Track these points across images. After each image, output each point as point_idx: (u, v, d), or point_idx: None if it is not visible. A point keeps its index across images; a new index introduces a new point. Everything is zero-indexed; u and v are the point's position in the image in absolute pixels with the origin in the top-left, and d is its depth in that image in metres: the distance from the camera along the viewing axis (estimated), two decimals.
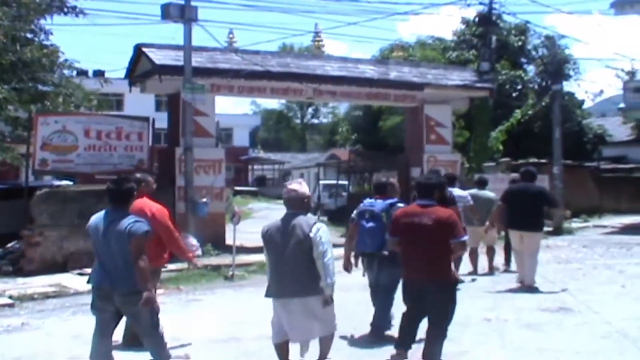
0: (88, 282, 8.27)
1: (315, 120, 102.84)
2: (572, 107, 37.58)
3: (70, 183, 21.97)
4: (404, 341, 8.59)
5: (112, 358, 7.99)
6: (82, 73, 24.71)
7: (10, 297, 14.07)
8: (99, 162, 19.37)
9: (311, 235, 7.68)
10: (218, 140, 48.93)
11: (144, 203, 9.35)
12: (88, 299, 13.94)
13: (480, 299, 12.78)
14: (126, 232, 7.59)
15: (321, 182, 44.10)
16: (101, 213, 7.94)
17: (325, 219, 34.79)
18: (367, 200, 10.40)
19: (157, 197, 10.51)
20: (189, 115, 19.38)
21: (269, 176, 77.37)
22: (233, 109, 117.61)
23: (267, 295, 8.06)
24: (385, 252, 9.74)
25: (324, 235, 7.78)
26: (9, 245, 18.28)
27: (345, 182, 32.45)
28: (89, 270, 16.62)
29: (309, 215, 8.06)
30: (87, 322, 9.88)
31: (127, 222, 7.67)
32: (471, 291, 13.45)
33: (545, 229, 23.88)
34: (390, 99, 25.52)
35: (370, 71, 24.13)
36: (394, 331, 9.45)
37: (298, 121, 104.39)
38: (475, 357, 8.99)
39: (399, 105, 27.72)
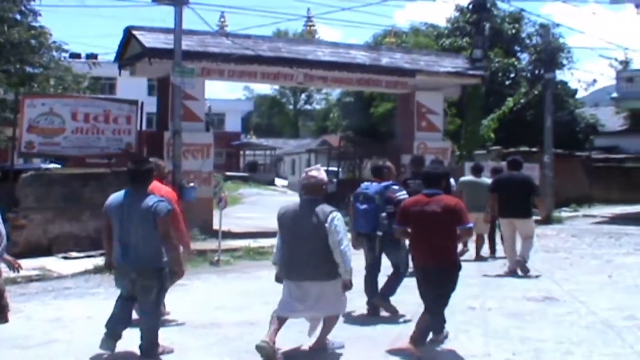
0: (106, 265, 8.87)
1: (308, 107, 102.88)
2: (565, 96, 37.51)
3: (59, 166, 21.86)
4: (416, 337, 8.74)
5: (129, 321, 8.34)
6: (75, 56, 24.49)
7: None
8: (87, 145, 19.18)
9: (326, 224, 8.01)
10: (210, 125, 48.97)
11: (154, 186, 9.43)
12: (71, 282, 14.09)
13: (466, 287, 12.58)
14: (151, 211, 7.92)
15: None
16: (120, 193, 8.25)
17: None
18: (364, 184, 10.86)
19: None
20: (177, 99, 19.21)
21: (260, 162, 77.27)
22: (226, 94, 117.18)
23: (283, 277, 8.46)
24: (379, 233, 10.32)
25: (340, 223, 8.09)
26: None
27: (336, 169, 32.32)
28: (74, 254, 16.81)
29: (325, 204, 8.28)
30: (68, 307, 9.85)
31: (151, 201, 8.01)
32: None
33: (535, 217, 24.02)
34: (382, 85, 25.39)
35: (361, 57, 24.01)
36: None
37: (291, 107, 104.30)
38: (457, 345, 8.89)
39: (390, 91, 27.59)
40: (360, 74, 23.89)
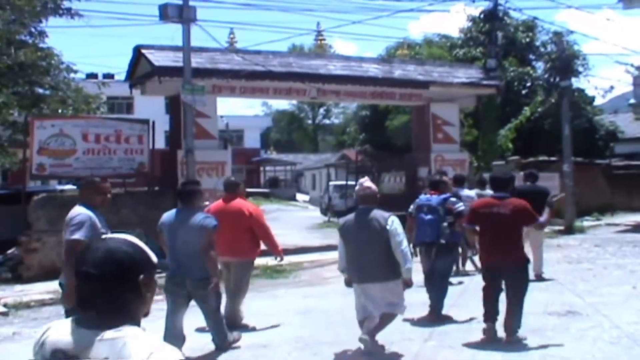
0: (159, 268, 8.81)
1: (326, 121, 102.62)
2: (583, 104, 37.04)
3: (74, 187, 21.69)
4: (490, 315, 9.84)
5: (183, 335, 9.06)
6: (92, 76, 24.38)
7: (5, 305, 13.80)
8: (99, 166, 18.95)
9: (388, 227, 8.83)
10: (227, 142, 48.67)
11: (242, 203, 10.99)
12: None
13: (448, 322, 12.39)
14: (199, 226, 8.86)
15: (331, 183, 43.78)
16: (172, 212, 9.29)
17: (336, 219, 34.49)
18: (423, 196, 11.89)
19: (158, 201, 10.94)
20: (189, 117, 19.03)
21: (281, 177, 77.01)
22: (244, 110, 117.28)
23: (350, 282, 9.28)
24: (443, 241, 11.25)
25: (399, 227, 8.93)
26: (9, 251, 18.01)
27: (354, 183, 32.07)
28: None
29: (380, 210, 9.14)
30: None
31: (199, 218, 8.98)
32: (477, 294, 13.06)
33: (557, 227, 23.68)
34: (396, 98, 25.12)
35: (374, 70, 23.74)
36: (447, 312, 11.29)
37: (310, 122, 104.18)
38: None
39: (404, 104, 27.36)
40: (373, 87, 23.59)
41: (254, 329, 10.80)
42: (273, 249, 11.40)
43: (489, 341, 9.59)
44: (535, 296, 12.82)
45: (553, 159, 29.12)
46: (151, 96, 25.23)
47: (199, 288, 8.87)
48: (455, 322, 10.91)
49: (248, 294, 14.63)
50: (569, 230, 24.51)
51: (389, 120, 34.98)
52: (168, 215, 9.29)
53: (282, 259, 12.07)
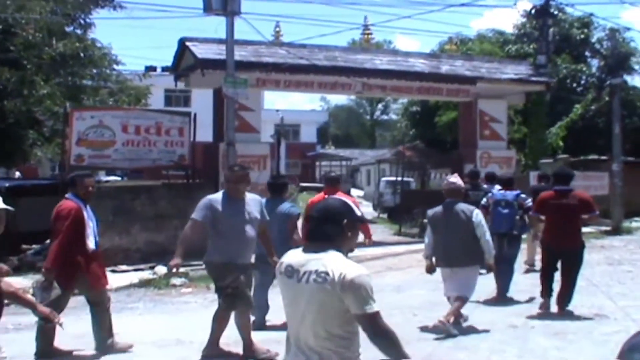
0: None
1: (384, 117, 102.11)
2: (638, 102, 36.17)
3: (119, 179, 21.84)
4: (547, 291, 11.43)
5: (267, 305, 10.61)
6: (152, 69, 24.48)
7: (33, 294, 13.86)
8: (138, 157, 19.03)
9: (473, 219, 10.13)
10: (281, 136, 48.67)
11: (342, 196, 11.15)
12: (113, 297, 13.88)
13: (513, 303, 12.18)
14: (285, 214, 10.48)
15: (383, 179, 43.50)
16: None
17: (385, 216, 34.29)
18: (498, 192, 13.20)
19: (197, 193, 11.77)
20: (231, 110, 19.03)
21: (337, 172, 76.67)
22: (304, 105, 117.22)
23: (438, 266, 10.48)
24: (515, 232, 12.81)
25: (482, 218, 10.34)
26: (47, 241, 18.15)
27: (410, 179, 31.96)
28: (122, 267, 16.69)
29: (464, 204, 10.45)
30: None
31: (285, 207, 10.66)
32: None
33: (603, 228, 23.23)
34: (443, 94, 24.85)
35: (420, 65, 23.50)
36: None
37: (368, 117, 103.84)
38: None
39: (451, 99, 27.04)
40: (419, 82, 23.41)
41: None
42: (366, 234, 12.40)
43: (544, 314, 11.12)
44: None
45: (603, 157, 28.53)
46: (198, 89, 25.30)
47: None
48: (477, 323, 10.71)
49: (277, 289, 14.71)
50: (616, 231, 24.00)
51: (439, 116, 34.62)
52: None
53: (371, 244, 13.01)
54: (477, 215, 10.21)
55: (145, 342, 9.73)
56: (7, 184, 21.29)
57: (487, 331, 10.06)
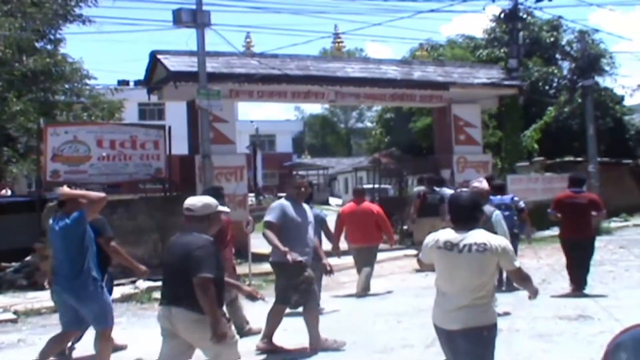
0: None
1: (359, 125, 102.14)
2: (611, 103, 36.39)
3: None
4: (575, 280, 13.51)
5: None
6: (124, 83, 24.44)
7: (15, 312, 13.74)
8: (114, 172, 18.93)
9: (492, 219, 10.74)
10: (256, 147, 48.46)
11: (369, 205, 15.35)
12: None
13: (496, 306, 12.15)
14: (320, 218, 12.00)
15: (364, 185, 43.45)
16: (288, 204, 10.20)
17: None
18: (496, 197, 13.60)
19: (175, 207, 11.67)
20: (205, 122, 18.97)
21: (314, 182, 76.64)
22: (279, 115, 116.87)
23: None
24: (516, 230, 13.89)
25: (501, 218, 11.09)
26: (26, 259, 17.97)
27: (387, 186, 31.95)
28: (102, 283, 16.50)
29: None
30: (83, 340, 9.44)
31: (316, 212, 11.48)
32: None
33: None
34: (416, 100, 24.91)
35: (393, 72, 23.52)
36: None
37: (342, 126, 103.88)
38: None
39: (425, 105, 27.11)
40: (392, 89, 23.37)
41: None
42: (389, 238, 15.28)
43: (576, 295, 13.08)
44: (547, 299, 12.60)
45: (579, 159, 28.68)
46: (171, 102, 25.17)
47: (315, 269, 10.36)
48: None
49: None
50: (595, 231, 24.04)
51: (413, 122, 34.63)
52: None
53: (393, 245, 15.93)
54: (497, 215, 11.01)
55: (130, 357, 9.63)
56: None
57: None
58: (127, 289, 15.70)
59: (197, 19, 18.36)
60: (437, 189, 17.64)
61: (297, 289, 9.48)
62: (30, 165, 24.02)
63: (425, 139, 32.30)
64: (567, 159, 29.29)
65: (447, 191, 16.81)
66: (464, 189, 11.16)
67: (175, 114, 37.90)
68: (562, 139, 33.43)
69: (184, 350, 6.80)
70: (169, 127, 19.96)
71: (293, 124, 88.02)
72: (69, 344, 9.42)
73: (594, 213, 13.52)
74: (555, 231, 18.97)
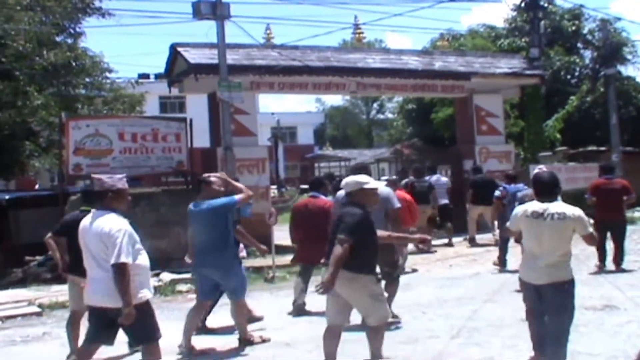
0: None
1: (380, 116, 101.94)
2: (634, 92, 36.05)
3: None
4: (602, 256, 14.91)
5: None
6: (144, 76, 24.41)
7: (40, 305, 13.81)
8: (136, 165, 18.92)
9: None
10: (278, 139, 48.45)
11: (402, 194, 14.34)
12: None
13: (521, 297, 12.06)
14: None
15: (382, 178, 43.34)
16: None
17: None
18: (512, 186, 15.17)
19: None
20: (226, 114, 18.98)
21: (336, 173, 76.37)
22: (300, 107, 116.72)
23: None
24: None
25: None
26: (49, 252, 18.02)
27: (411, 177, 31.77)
28: None
29: None
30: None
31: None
32: (514, 287, 12.78)
33: None
34: (438, 90, 24.75)
35: (414, 62, 23.37)
36: None
37: (364, 117, 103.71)
38: None
39: (447, 96, 26.99)
40: (413, 80, 23.25)
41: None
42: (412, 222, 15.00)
43: (600, 272, 14.38)
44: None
45: (602, 148, 28.46)
46: (192, 94, 25.15)
47: None
48: (487, 318, 10.62)
49: (285, 291, 14.59)
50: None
51: (435, 113, 34.46)
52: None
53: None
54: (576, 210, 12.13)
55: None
56: (7, 196, 21.21)
57: (497, 326, 9.95)
58: (151, 282, 15.71)
59: (216, 11, 18.37)
60: (440, 179, 21.32)
61: (394, 274, 10.56)
62: (52, 159, 24.05)
63: (447, 129, 32.14)
64: (590, 148, 29.04)
65: (441, 178, 21.32)
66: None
67: (196, 107, 37.97)
68: (584, 129, 33.20)
69: (344, 306, 7.88)
70: (191, 120, 19.94)
71: (314, 115, 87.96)
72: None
73: (625, 197, 15.07)
74: None
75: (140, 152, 18.97)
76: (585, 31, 38.53)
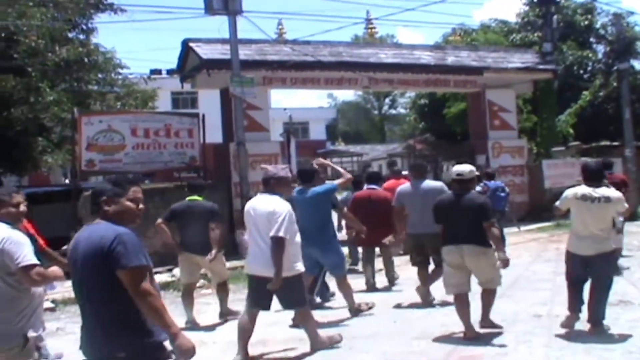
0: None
1: (392, 111, 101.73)
2: None
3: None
4: None
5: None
6: (156, 72, 24.43)
7: (54, 301, 13.80)
8: (149, 160, 18.95)
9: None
10: (290, 134, 48.37)
11: (394, 183, 14.86)
12: None
13: (535, 292, 12.04)
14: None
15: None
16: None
17: None
18: (492, 182, 17.11)
19: (210, 194, 13.61)
20: (239, 109, 18.99)
21: (348, 169, 76.28)
22: (311, 102, 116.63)
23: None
24: (507, 209, 17.53)
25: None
26: (63, 248, 18.03)
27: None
28: None
29: None
30: None
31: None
32: (527, 283, 12.74)
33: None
34: (450, 85, 24.70)
35: (426, 57, 23.36)
36: None
37: (376, 112, 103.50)
38: (516, 357, 8.30)
39: (459, 91, 26.90)
40: (426, 75, 23.25)
41: None
42: None
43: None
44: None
45: (615, 143, 28.32)
46: (204, 90, 25.11)
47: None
48: (501, 313, 10.57)
49: None
50: (633, 216, 23.72)
51: (447, 108, 34.33)
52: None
53: None
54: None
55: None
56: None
57: (511, 321, 9.91)
58: (164, 277, 15.71)
59: (228, 7, 18.35)
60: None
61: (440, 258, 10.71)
62: (65, 155, 24.08)
63: (460, 124, 32.05)
64: (602, 143, 28.92)
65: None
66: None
67: (208, 102, 37.98)
68: (597, 124, 33.11)
69: (467, 276, 9.42)
70: (203, 115, 19.94)
71: (326, 111, 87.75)
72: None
73: (623, 190, 14.92)
74: None
75: (153, 148, 19.00)
76: (598, 25, 38.34)
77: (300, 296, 8.84)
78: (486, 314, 9.68)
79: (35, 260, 6.18)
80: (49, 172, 35.10)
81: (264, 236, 8.36)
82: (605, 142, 29.33)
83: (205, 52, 20.07)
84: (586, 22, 37.45)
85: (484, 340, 9.07)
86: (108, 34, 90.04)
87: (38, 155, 23.93)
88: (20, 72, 20.96)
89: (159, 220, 11.56)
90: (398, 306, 11.58)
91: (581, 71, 36.17)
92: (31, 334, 6.13)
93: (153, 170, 19.54)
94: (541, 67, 24.99)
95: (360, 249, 14.81)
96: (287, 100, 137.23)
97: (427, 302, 11.49)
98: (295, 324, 10.02)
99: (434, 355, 8.55)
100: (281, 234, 8.20)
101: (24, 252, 6.13)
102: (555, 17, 27.08)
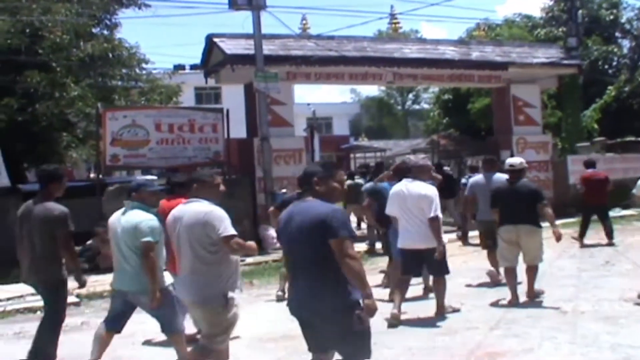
0: None
1: (416, 106, 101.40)
2: None
3: (155, 178, 21.68)
4: (583, 234, 17.33)
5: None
6: (180, 67, 24.50)
7: (78, 295, 13.87)
8: (173, 155, 19.02)
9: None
10: (314, 129, 48.32)
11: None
12: None
13: (560, 289, 11.96)
14: None
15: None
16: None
17: None
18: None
19: (234, 190, 12.47)
20: (263, 105, 19.03)
21: (372, 164, 75.96)
22: (335, 98, 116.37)
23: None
24: None
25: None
26: (87, 243, 18.14)
27: (446, 168, 31.68)
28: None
29: None
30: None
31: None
32: (552, 279, 12.67)
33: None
34: (474, 80, 24.58)
35: (450, 52, 23.28)
36: None
37: (399, 108, 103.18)
38: (541, 354, 8.24)
39: (483, 86, 26.80)
40: (450, 70, 23.12)
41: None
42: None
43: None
44: (612, 282, 12.41)
45: None
46: (228, 85, 25.12)
47: None
48: (526, 307, 10.56)
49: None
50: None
51: (471, 103, 34.21)
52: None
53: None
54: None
55: (189, 340, 9.63)
56: None
57: (536, 317, 9.87)
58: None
59: (252, 2, 18.49)
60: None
61: (491, 241, 12.26)
62: (89, 150, 24.22)
63: (484, 119, 31.93)
64: (628, 138, 28.74)
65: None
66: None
67: (232, 98, 37.94)
68: (622, 119, 32.87)
69: (517, 252, 10.97)
70: (227, 110, 19.97)
71: (349, 106, 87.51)
72: None
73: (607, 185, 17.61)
74: (616, 212, 21.55)
75: (177, 143, 19.08)
76: (623, 20, 38.14)
77: (446, 265, 10.46)
78: (531, 286, 10.99)
79: (234, 232, 6.87)
80: (73, 167, 35.25)
81: (420, 217, 10.04)
82: (631, 137, 29.13)
83: (229, 47, 20.09)
84: (611, 17, 37.23)
85: (509, 335, 9.04)
86: (132, 29, 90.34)
87: (63, 150, 24.06)
88: (45, 67, 21.05)
89: (271, 208, 13.00)
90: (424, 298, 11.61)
91: (606, 66, 36.00)
92: (231, 294, 6.96)
93: (177, 165, 19.53)
94: (566, 62, 24.84)
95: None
96: (310, 96, 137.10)
97: (496, 281, 12.47)
98: (429, 290, 11.52)
99: (459, 351, 8.51)
100: (437, 213, 10.00)
101: (225, 224, 6.86)
102: (580, 11, 27.00)
